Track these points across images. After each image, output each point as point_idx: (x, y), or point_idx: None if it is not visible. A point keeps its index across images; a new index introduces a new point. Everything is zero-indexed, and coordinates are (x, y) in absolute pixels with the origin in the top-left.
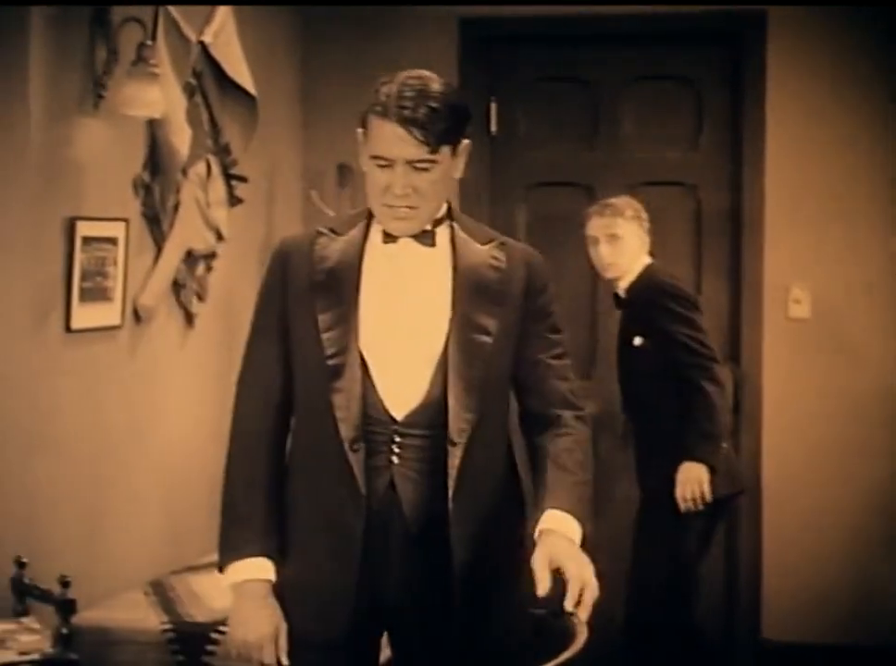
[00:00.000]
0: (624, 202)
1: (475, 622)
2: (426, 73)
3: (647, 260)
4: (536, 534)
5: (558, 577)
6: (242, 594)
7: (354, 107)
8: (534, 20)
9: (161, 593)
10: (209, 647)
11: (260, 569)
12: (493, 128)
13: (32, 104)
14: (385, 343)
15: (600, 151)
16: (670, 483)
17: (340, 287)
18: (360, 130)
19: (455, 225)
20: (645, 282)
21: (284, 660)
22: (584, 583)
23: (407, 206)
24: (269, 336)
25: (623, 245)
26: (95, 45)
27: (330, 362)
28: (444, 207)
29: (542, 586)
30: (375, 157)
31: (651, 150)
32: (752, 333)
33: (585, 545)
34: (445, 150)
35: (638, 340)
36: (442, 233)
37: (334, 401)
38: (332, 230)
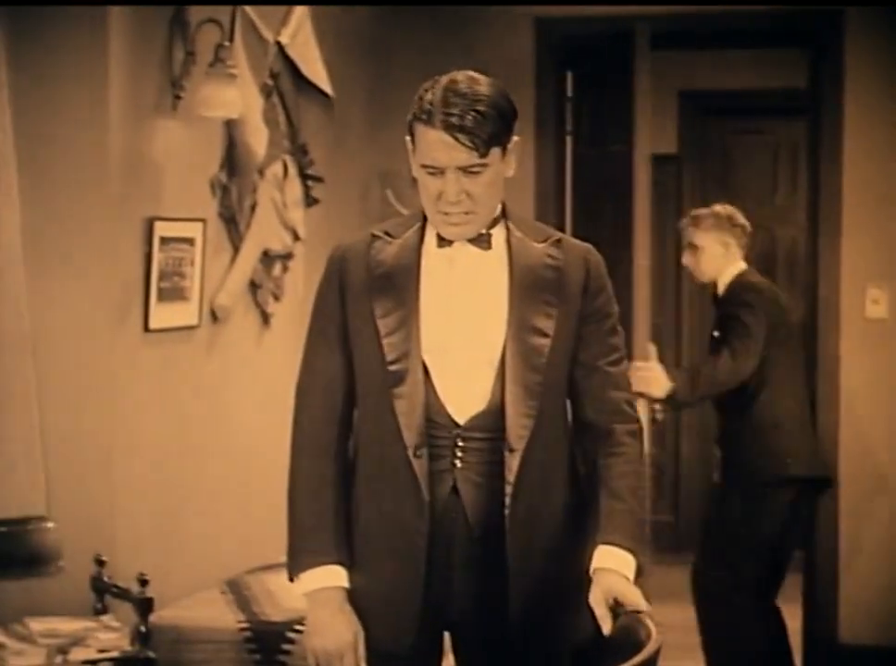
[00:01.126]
0: (708, 212)
1: (533, 629)
2: (470, 74)
3: (741, 266)
4: (591, 571)
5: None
6: (316, 602)
7: None
8: (606, 19)
9: (237, 592)
10: (285, 647)
11: (333, 576)
12: (569, 127)
13: (112, 106)
14: (445, 347)
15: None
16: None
17: (398, 291)
18: (408, 138)
19: (511, 224)
20: (734, 286)
21: None
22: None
23: (462, 212)
24: (329, 342)
25: (701, 254)
26: (173, 47)
27: (392, 367)
28: (500, 207)
29: (606, 626)
30: (425, 166)
31: None
32: (829, 334)
33: (640, 574)
34: (495, 151)
35: (716, 333)
36: (498, 234)
37: (397, 407)
38: (387, 233)
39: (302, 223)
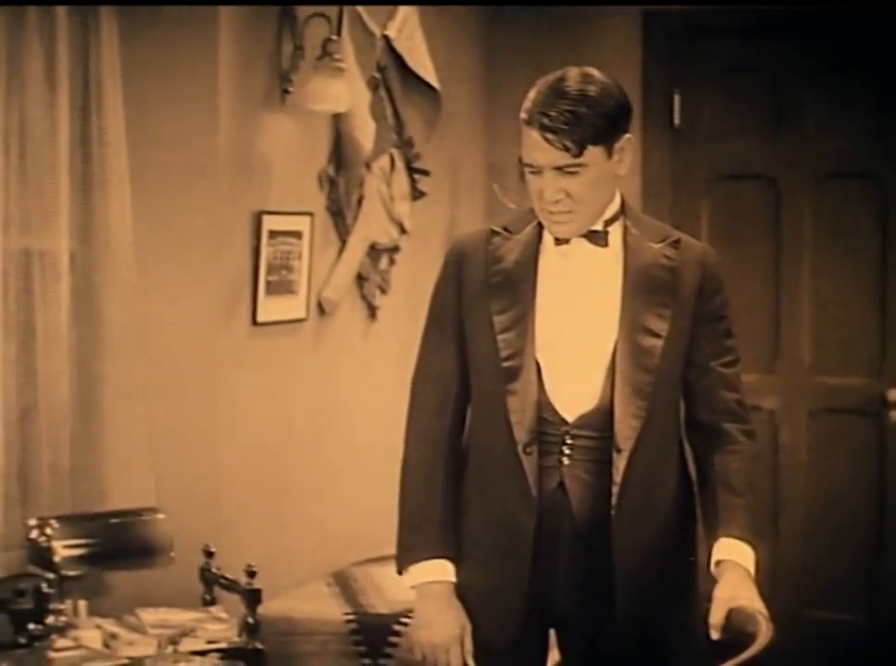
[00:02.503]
0: None
1: (640, 628)
2: (582, 71)
3: None
4: (713, 564)
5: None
6: (424, 596)
7: None
8: (718, 12)
9: (344, 584)
10: (391, 639)
11: (441, 571)
12: (677, 120)
13: (221, 101)
14: (558, 345)
15: (784, 143)
16: None
17: (516, 288)
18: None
19: (629, 222)
20: None
21: (470, 662)
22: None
23: (563, 211)
24: (444, 336)
25: None
26: (282, 41)
27: (506, 364)
28: (617, 204)
29: (716, 632)
30: (526, 164)
31: (836, 141)
32: None
33: (758, 568)
34: (595, 151)
35: None
36: (615, 232)
37: (509, 404)
38: (506, 229)
39: (408, 216)
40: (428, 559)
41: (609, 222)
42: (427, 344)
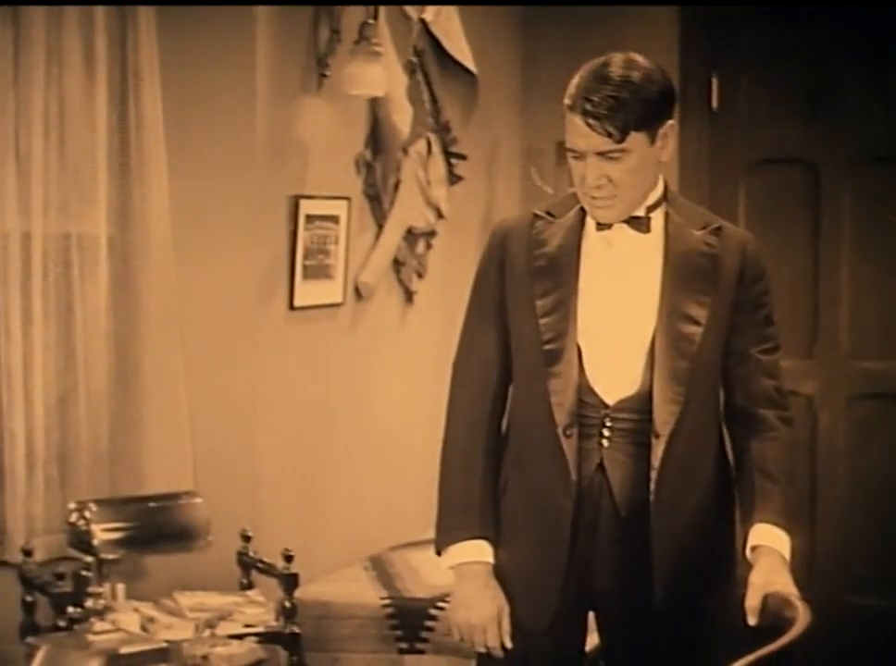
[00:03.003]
0: None
1: (678, 612)
2: (626, 57)
3: None
4: (749, 549)
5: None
6: (462, 576)
7: None
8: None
9: (380, 568)
10: (428, 623)
11: (479, 551)
12: (714, 104)
13: (258, 85)
14: (599, 330)
15: (823, 126)
16: None
17: (558, 272)
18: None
19: (671, 209)
20: None
21: (508, 643)
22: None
23: (605, 196)
24: (487, 319)
25: None
26: (319, 25)
27: (547, 347)
28: (660, 190)
29: (753, 616)
30: (568, 149)
31: (875, 124)
32: None
33: (794, 556)
34: (637, 137)
35: None
36: (657, 218)
37: (550, 387)
38: (549, 213)
39: (445, 200)
40: (466, 539)
41: (651, 208)
42: (469, 327)
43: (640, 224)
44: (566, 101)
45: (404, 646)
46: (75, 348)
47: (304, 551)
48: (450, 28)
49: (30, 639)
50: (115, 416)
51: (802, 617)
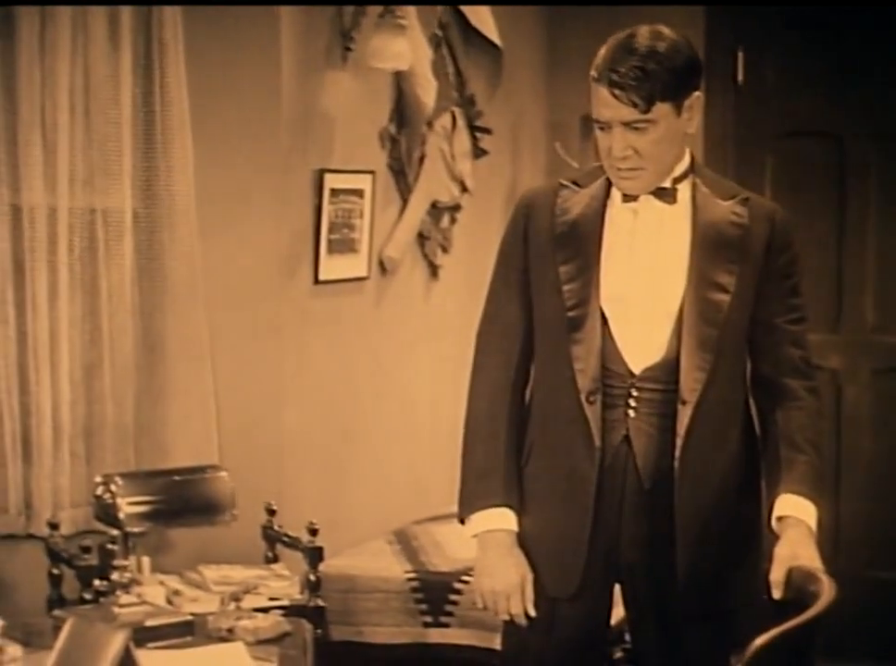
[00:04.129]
0: None
1: (702, 584)
2: (653, 29)
3: None
4: (774, 520)
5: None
6: (486, 544)
7: None
8: None
9: (405, 542)
10: (452, 597)
11: (503, 519)
12: (740, 77)
13: (283, 59)
14: (625, 297)
15: (849, 99)
16: None
17: (581, 240)
18: None
19: (698, 180)
20: None
21: (531, 610)
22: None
23: (630, 168)
24: (510, 287)
25: None
26: (341, 5)
27: (570, 313)
28: (686, 162)
29: (777, 590)
30: (595, 121)
31: None
32: None
33: (820, 527)
34: (663, 108)
35: None
36: (684, 189)
37: (573, 353)
38: (575, 183)
39: (470, 175)
40: (489, 507)
41: (678, 180)
42: (492, 295)
43: (666, 195)
44: (593, 73)
45: (428, 619)
46: (100, 322)
47: (328, 525)
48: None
49: (56, 612)
50: (140, 390)
51: (826, 592)
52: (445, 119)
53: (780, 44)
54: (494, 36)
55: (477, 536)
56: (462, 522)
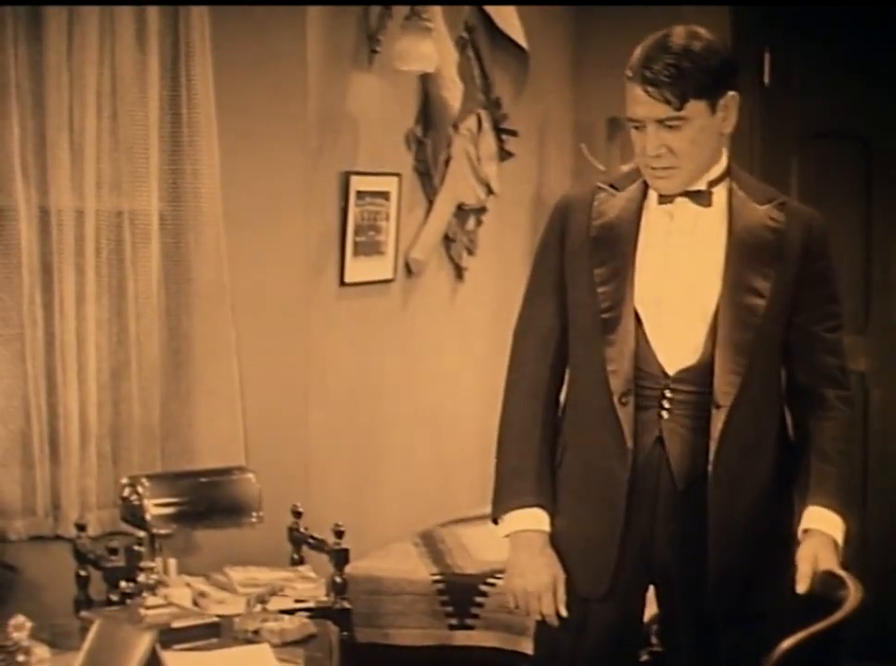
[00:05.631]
0: None
1: (735, 586)
2: (689, 29)
3: None
4: (801, 532)
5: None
6: (518, 544)
7: (625, 60)
8: None
9: (431, 544)
10: (478, 599)
11: (535, 519)
12: (766, 78)
13: (309, 61)
14: (659, 300)
15: (876, 101)
16: None
17: (617, 242)
18: None
19: (734, 184)
20: None
21: (563, 611)
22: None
23: (665, 166)
24: (546, 289)
25: None
26: (368, 5)
27: (605, 315)
28: (723, 165)
29: (803, 584)
30: (630, 120)
31: None
32: None
33: (848, 538)
34: (698, 106)
35: None
36: (720, 193)
37: (606, 354)
38: (612, 186)
39: (495, 177)
40: (522, 507)
41: (714, 183)
42: (529, 295)
43: (701, 198)
44: (627, 72)
45: (454, 621)
46: (127, 324)
47: (354, 527)
48: (501, 4)
49: (83, 613)
50: (167, 392)
51: (853, 595)
52: (471, 122)
53: (807, 45)
54: (521, 39)
55: (509, 535)
56: (495, 521)
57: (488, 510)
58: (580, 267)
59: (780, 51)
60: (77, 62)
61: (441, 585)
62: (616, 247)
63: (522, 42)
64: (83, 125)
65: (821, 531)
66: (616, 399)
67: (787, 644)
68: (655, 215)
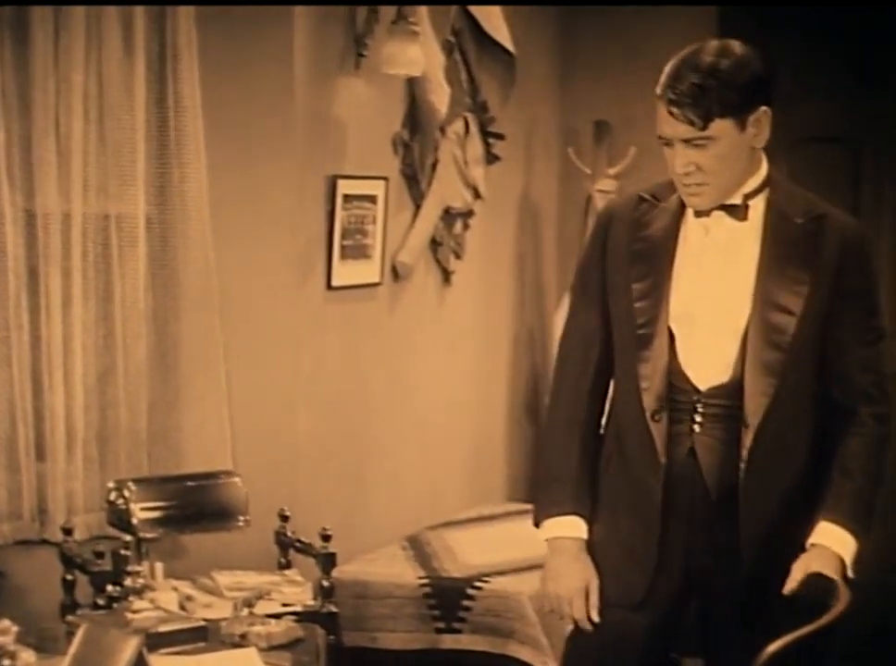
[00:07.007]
0: None
1: (768, 598)
2: (719, 44)
3: None
4: (808, 546)
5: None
6: (554, 550)
7: (612, 64)
8: None
9: (418, 548)
10: (465, 603)
11: (572, 527)
12: None
13: (296, 65)
14: (692, 315)
15: (865, 106)
16: None
17: (655, 257)
18: None
19: (773, 196)
20: None
21: (595, 617)
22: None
23: (695, 183)
24: (589, 298)
25: None
26: (357, 5)
27: (640, 331)
28: (761, 176)
29: (789, 586)
30: (658, 137)
31: None
32: None
33: (861, 553)
34: (723, 124)
35: None
36: (757, 205)
37: (640, 371)
38: (654, 197)
39: (483, 180)
40: (559, 515)
41: (750, 195)
42: (573, 305)
43: (736, 211)
44: (657, 90)
45: (441, 625)
46: (114, 327)
47: (341, 531)
48: (488, 8)
49: (70, 617)
50: (154, 395)
51: (842, 600)
52: (458, 125)
53: (795, 49)
54: (507, 42)
55: (548, 540)
56: (537, 525)
57: (475, 513)
58: (620, 280)
59: (770, 55)
60: (63, 65)
61: (428, 589)
62: (654, 262)
63: (509, 45)
64: (70, 128)
65: (825, 546)
66: (648, 416)
67: (773, 647)
68: (693, 228)
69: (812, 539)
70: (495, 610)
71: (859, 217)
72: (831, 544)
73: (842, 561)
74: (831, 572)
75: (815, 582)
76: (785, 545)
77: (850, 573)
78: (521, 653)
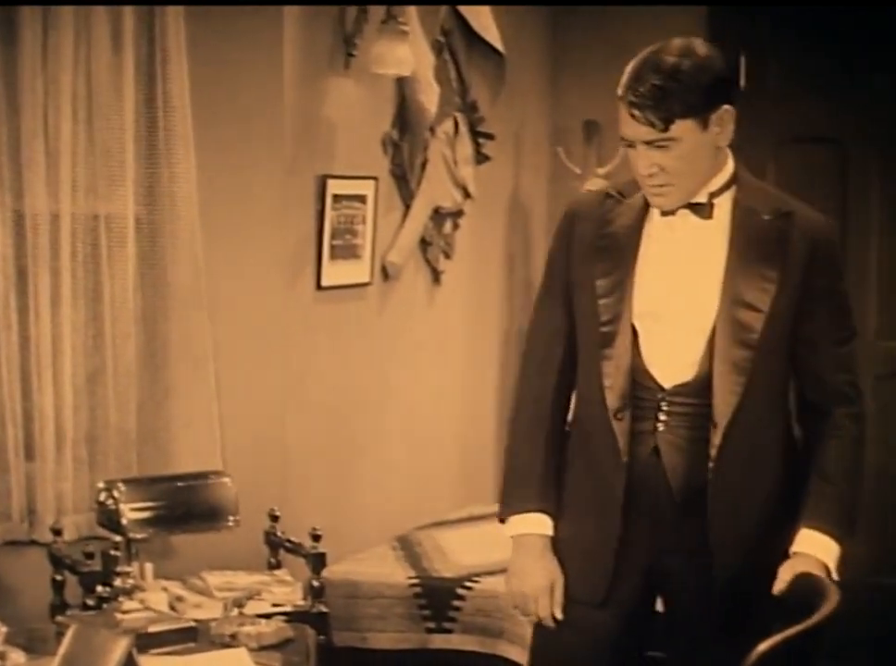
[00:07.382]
0: None
1: (738, 599)
2: (680, 43)
3: None
4: (790, 554)
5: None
6: (520, 547)
7: (601, 64)
8: None
9: (408, 548)
10: (455, 603)
11: (538, 524)
12: (742, 82)
13: (286, 64)
14: (657, 313)
15: (851, 106)
16: None
17: (619, 253)
18: None
19: (740, 194)
20: None
21: (558, 614)
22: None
23: (658, 184)
24: (553, 295)
25: None
26: (346, 4)
27: (603, 329)
28: (727, 174)
29: (778, 587)
30: (621, 138)
31: None
32: None
33: (844, 556)
34: (685, 124)
35: None
36: (723, 204)
37: (603, 369)
38: (620, 193)
39: (472, 180)
40: (525, 511)
41: (716, 194)
42: (539, 302)
43: (702, 210)
44: (618, 91)
45: (431, 625)
46: (103, 328)
47: (331, 531)
48: (478, 7)
49: (59, 618)
50: (143, 396)
51: (830, 600)
52: (448, 125)
53: (783, 49)
54: (497, 42)
55: (513, 537)
56: (502, 522)
57: (465, 513)
58: (585, 277)
59: (756, 54)
60: (52, 65)
61: (418, 589)
62: (618, 259)
63: (498, 45)
64: (59, 128)
65: (808, 554)
66: (610, 414)
67: (763, 647)
68: (657, 226)
69: (794, 547)
70: (485, 610)
71: (847, 216)
72: (815, 551)
73: (826, 568)
74: (812, 568)
75: (804, 582)
76: (759, 546)
77: (834, 577)
78: (511, 653)
